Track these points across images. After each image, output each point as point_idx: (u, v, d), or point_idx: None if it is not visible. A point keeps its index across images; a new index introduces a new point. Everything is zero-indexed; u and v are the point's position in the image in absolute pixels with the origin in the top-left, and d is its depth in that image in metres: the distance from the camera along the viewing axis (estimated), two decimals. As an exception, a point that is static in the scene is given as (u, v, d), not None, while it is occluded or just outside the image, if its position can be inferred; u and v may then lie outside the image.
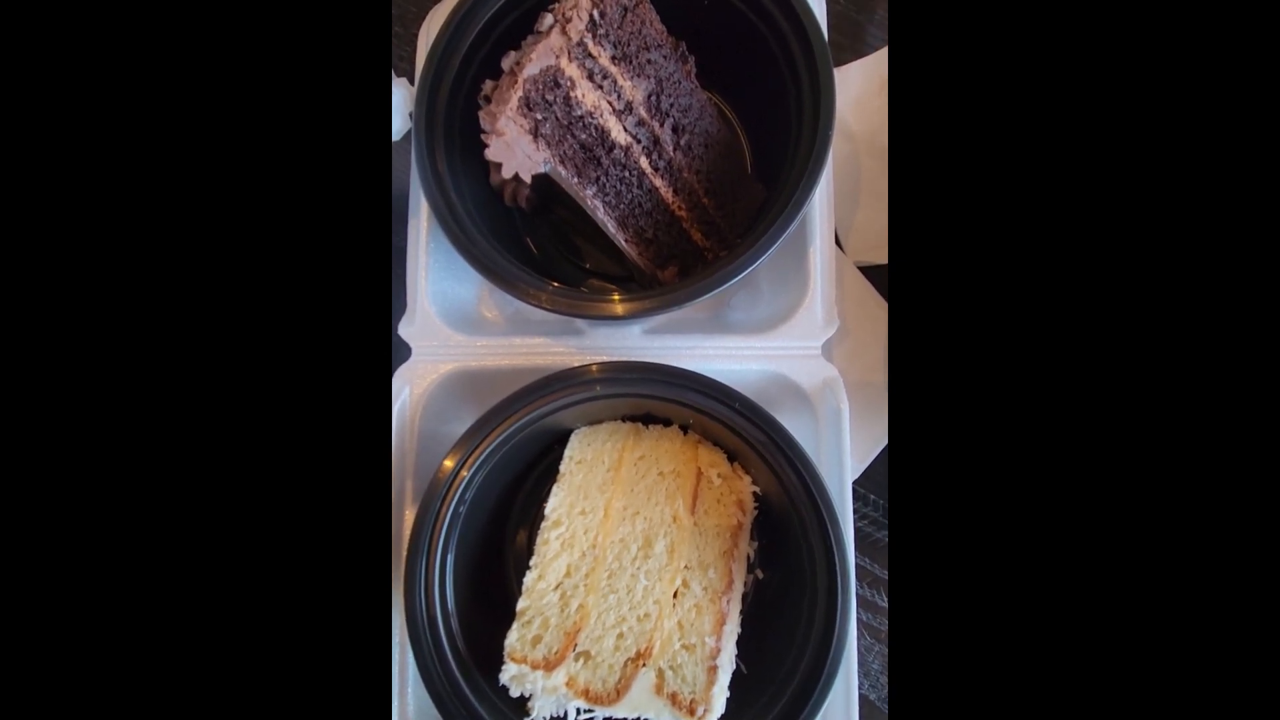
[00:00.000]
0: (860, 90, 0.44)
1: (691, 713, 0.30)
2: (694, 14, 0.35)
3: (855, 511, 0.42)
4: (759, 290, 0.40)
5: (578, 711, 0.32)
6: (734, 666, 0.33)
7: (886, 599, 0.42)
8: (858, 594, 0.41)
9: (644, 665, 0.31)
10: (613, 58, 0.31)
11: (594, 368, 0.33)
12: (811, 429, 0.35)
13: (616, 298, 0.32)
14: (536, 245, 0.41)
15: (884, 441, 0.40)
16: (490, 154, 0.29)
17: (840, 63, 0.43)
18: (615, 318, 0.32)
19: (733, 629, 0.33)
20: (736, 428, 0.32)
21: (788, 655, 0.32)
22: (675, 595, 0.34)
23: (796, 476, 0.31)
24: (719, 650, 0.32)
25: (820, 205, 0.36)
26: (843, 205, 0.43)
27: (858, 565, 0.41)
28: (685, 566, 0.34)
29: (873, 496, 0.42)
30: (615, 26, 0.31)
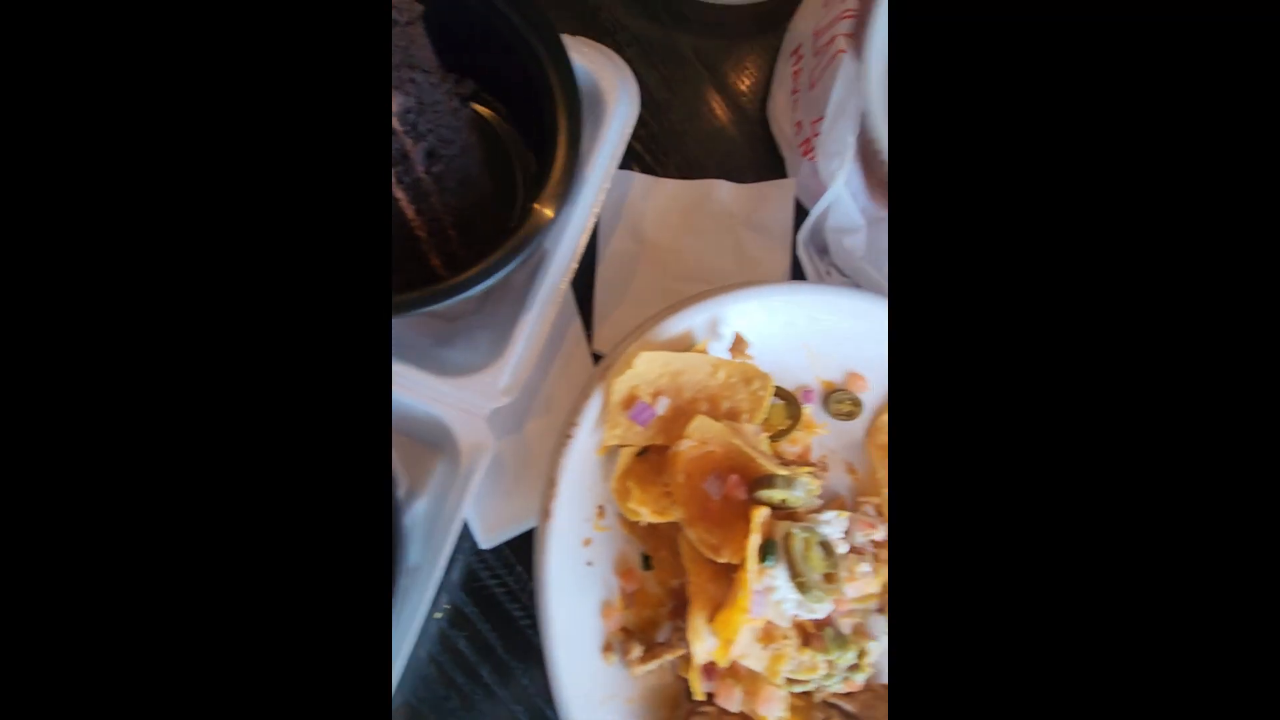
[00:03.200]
0: (666, 207, 0.45)
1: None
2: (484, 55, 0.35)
3: (492, 572, 0.41)
4: (484, 336, 0.39)
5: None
6: None
7: (490, 668, 0.41)
8: (461, 650, 0.40)
9: None
10: (368, 58, 0.30)
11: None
12: (448, 483, 0.35)
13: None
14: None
15: (521, 528, 0.40)
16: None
17: (658, 172, 0.45)
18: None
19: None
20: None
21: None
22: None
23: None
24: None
25: (550, 284, 0.36)
26: (607, 294, 0.44)
27: (471, 619, 0.40)
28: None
29: (518, 568, 0.41)
30: (396, 33, 0.30)
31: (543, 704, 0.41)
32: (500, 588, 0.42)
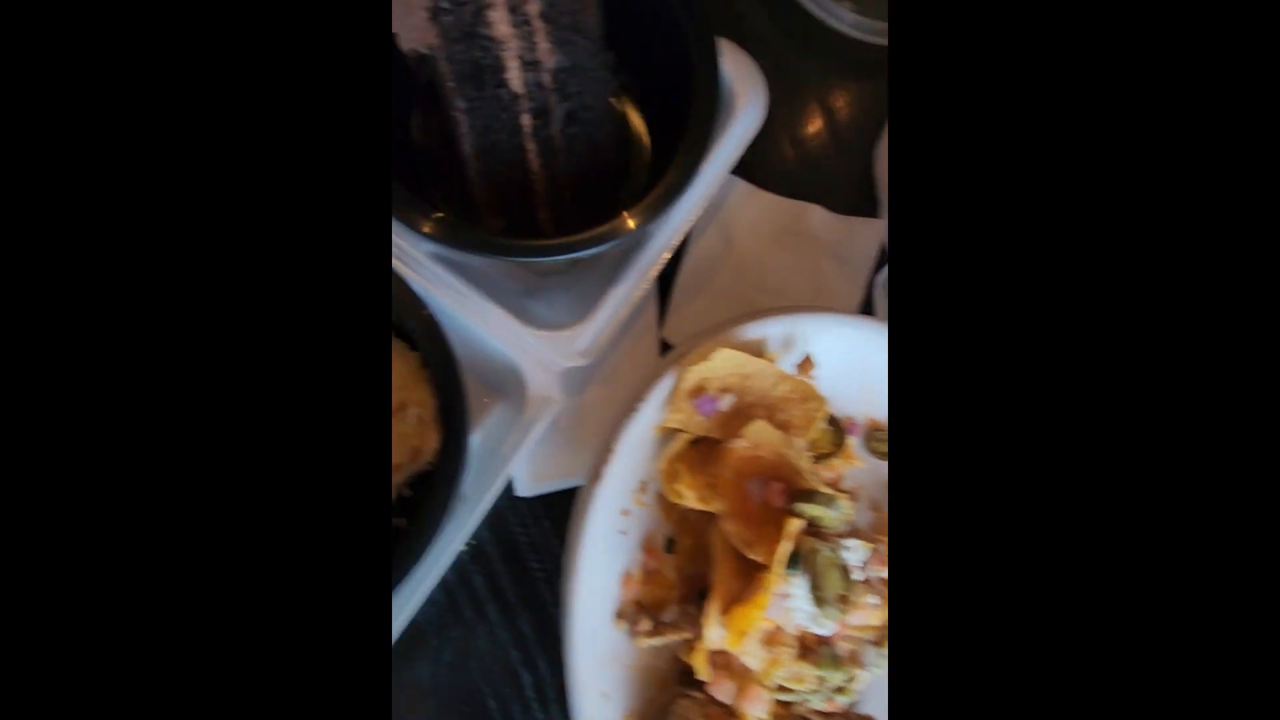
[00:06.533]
0: (759, 219, 0.45)
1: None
2: (653, 49, 0.35)
3: (520, 519, 0.41)
4: (570, 296, 0.40)
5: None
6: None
7: (497, 607, 0.41)
8: (472, 584, 0.41)
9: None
10: (542, 14, 0.30)
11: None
12: (506, 427, 0.35)
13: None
14: (421, 127, 0.39)
15: (567, 482, 0.40)
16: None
17: (760, 184, 0.45)
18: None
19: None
20: (436, 380, 0.31)
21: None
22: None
23: (451, 446, 0.31)
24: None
25: (644, 262, 0.37)
26: (686, 287, 0.44)
27: (491, 559, 0.41)
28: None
29: (545, 521, 0.42)
30: (562, -9, 0.30)
31: (537, 653, 0.41)
32: (524, 536, 0.42)
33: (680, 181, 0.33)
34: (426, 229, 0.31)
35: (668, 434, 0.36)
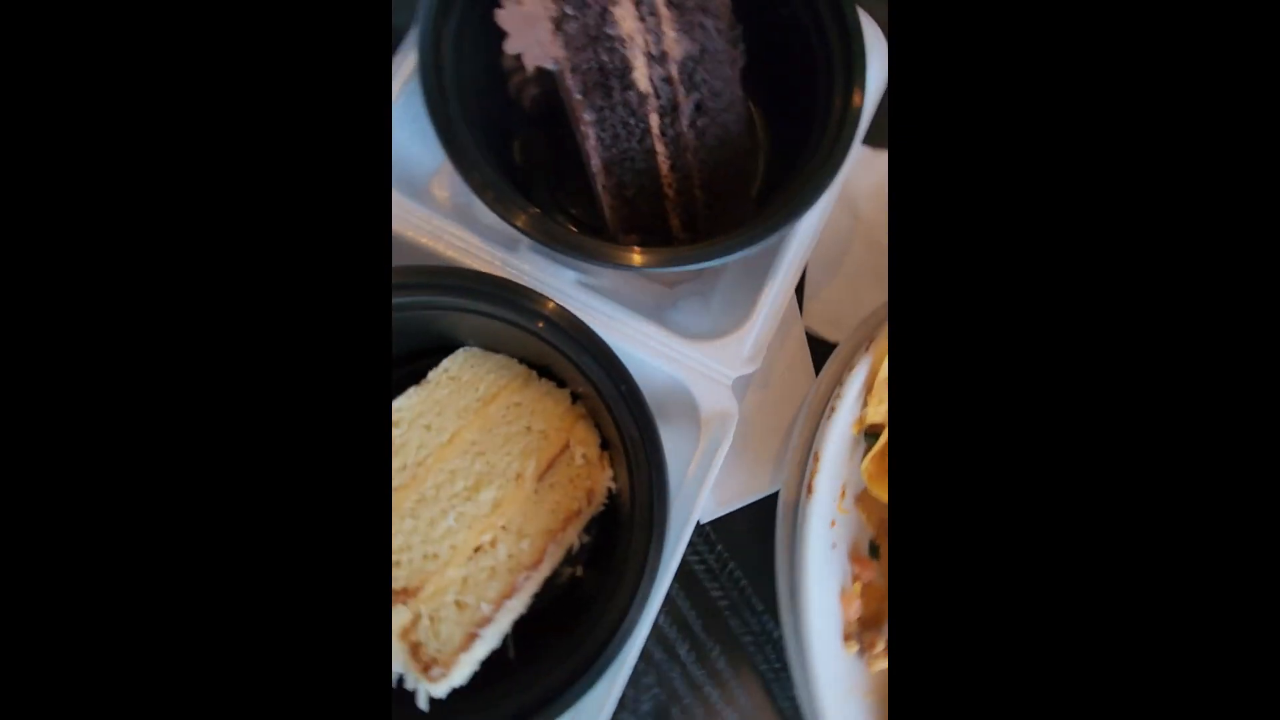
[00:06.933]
0: (881, 184, 0.42)
1: (427, 669, 0.26)
2: (764, 19, 0.32)
3: (692, 548, 0.39)
4: (709, 302, 0.37)
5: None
6: (499, 645, 0.29)
7: (688, 646, 0.38)
8: (659, 625, 0.38)
9: (405, 603, 0.27)
10: (668, 0, 0.27)
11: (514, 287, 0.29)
12: (688, 453, 0.32)
13: (646, 249, 0.29)
14: (523, 153, 0.37)
15: (747, 499, 0.37)
16: (501, 17, 0.25)
17: (880, 146, 0.42)
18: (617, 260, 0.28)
19: (516, 606, 0.29)
20: (616, 412, 0.29)
21: (566, 657, 0.28)
22: (477, 550, 0.29)
23: (648, 480, 0.28)
24: (489, 620, 0.27)
25: (797, 251, 0.33)
26: (819, 270, 0.41)
27: (671, 596, 0.38)
28: (502, 527, 0.30)
29: (719, 546, 0.39)
30: (688, -27, 0.27)
31: (736, 689, 0.38)
32: (700, 565, 0.39)
33: (832, 166, 0.30)
34: (520, 221, 0.28)
35: (863, 430, 0.32)
